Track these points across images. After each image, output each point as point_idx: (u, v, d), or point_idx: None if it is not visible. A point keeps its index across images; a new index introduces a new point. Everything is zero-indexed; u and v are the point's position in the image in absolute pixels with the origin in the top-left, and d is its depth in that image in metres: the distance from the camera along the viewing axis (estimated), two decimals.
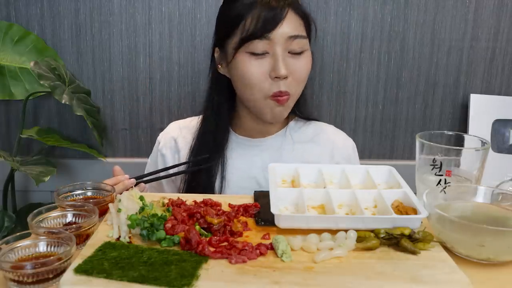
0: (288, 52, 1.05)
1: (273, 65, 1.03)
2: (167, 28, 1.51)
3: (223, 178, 1.14)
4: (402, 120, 1.63)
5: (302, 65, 1.06)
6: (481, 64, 1.58)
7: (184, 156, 1.18)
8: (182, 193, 1.15)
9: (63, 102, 1.37)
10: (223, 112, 1.15)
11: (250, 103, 1.09)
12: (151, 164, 1.25)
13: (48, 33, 1.51)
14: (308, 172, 0.93)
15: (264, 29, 1.01)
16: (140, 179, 1.02)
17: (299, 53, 1.06)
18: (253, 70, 1.04)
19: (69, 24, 1.51)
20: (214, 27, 1.15)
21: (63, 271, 0.65)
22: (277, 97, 1.05)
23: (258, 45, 1.02)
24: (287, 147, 1.18)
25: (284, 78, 1.04)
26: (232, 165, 1.16)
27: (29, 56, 1.49)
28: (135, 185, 0.99)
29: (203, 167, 1.10)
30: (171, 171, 1.07)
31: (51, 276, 0.65)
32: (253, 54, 1.03)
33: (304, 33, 1.06)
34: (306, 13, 1.09)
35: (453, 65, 1.58)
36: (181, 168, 1.12)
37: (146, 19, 1.51)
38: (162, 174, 1.08)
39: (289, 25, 1.03)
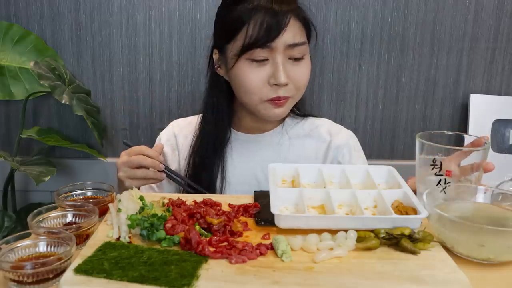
0: (289, 58, 1.05)
1: (273, 72, 1.03)
2: (167, 28, 1.51)
3: (223, 174, 1.15)
4: (402, 120, 1.63)
5: (302, 72, 1.07)
6: (481, 64, 1.58)
7: (183, 154, 1.19)
8: (183, 191, 1.16)
9: (63, 102, 1.37)
10: (223, 111, 1.16)
11: (248, 106, 1.10)
12: None
13: (48, 33, 1.51)
14: (308, 172, 0.93)
15: (267, 39, 1.01)
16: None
17: (299, 59, 1.06)
18: (253, 77, 1.04)
19: (69, 24, 1.51)
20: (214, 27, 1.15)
21: (63, 271, 0.65)
22: (275, 101, 1.06)
23: (259, 53, 1.02)
24: (285, 142, 1.19)
25: (284, 85, 1.05)
26: (232, 161, 1.17)
27: (29, 56, 1.49)
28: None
29: (198, 189, 1.11)
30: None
31: (51, 276, 0.65)
32: (254, 60, 1.03)
33: (304, 39, 1.06)
34: (307, 18, 1.08)
35: (453, 65, 1.58)
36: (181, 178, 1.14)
37: (146, 19, 1.51)
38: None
39: (291, 33, 1.03)
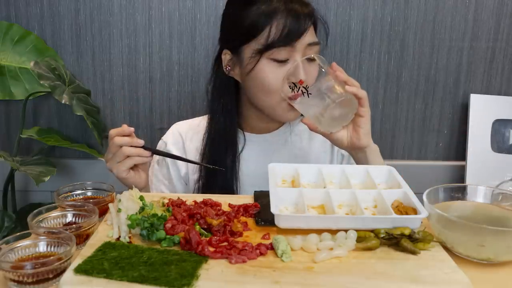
0: (305, 58, 1.06)
1: (292, 70, 1.04)
2: (167, 28, 1.51)
3: (236, 176, 1.15)
4: (402, 120, 1.63)
5: (314, 72, 1.07)
6: (481, 64, 1.58)
7: (191, 157, 1.18)
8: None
9: (63, 102, 1.37)
10: (232, 112, 1.15)
11: (265, 107, 1.10)
12: (160, 169, 1.23)
13: (48, 33, 1.51)
14: (308, 172, 0.93)
15: (291, 39, 1.02)
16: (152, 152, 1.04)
17: (312, 60, 1.07)
18: (275, 76, 1.05)
19: (69, 24, 1.51)
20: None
21: (63, 271, 0.65)
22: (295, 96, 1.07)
23: (281, 52, 1.03)
24: (292, 139, 1.20)
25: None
26: (243, 162, 1.17)
27: (29, 56, 1.49)
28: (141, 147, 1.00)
29: (217, 168, 1.09)
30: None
31: (51, 276, 0.65)
32: (276, 60, 1.04)
33: (317, 40, 1.09)
34: (321, 21, 1.12)
35: (453, 65, 1.58)
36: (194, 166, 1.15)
37: (146, 19, 1.51)
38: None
39: (310, 33, 1.05)
